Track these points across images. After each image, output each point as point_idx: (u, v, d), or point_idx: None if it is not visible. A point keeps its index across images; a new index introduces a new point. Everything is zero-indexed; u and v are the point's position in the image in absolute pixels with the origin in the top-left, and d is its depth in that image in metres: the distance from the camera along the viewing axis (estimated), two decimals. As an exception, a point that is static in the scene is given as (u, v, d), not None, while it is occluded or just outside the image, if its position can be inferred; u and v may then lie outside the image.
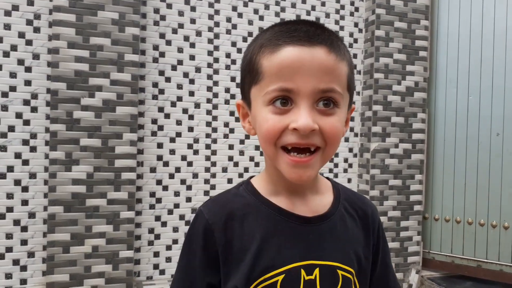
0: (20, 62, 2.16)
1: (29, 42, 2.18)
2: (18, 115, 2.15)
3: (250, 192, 0.70)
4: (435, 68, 2.85)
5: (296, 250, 0.66)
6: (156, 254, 2.39)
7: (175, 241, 2.42)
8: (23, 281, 2.17)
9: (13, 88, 2.15)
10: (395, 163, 2.74)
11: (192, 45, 2.46)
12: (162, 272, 2.40)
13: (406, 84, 2.73)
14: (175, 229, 2.42)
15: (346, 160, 2.80)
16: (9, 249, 2.14)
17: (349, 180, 2.81)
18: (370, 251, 0.74)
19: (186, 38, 2.44)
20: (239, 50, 2.54)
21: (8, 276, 2.14)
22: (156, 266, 2.39)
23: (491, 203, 2.70)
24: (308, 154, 0.61)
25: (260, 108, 0.63)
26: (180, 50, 2.43)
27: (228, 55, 2.51)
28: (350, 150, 2.80)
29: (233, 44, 2.53)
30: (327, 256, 0.66)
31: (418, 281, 2.81)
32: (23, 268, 2.16)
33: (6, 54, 2.14)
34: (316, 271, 0.66)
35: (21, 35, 2.16)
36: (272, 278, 0.64)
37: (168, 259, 2.41)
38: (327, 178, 0.77)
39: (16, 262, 2.15)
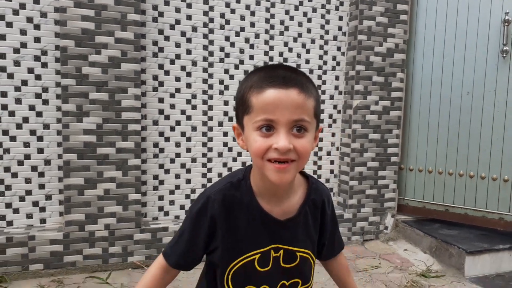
0: (29, 20, 2.31)
1: (36, 1, 2.31)
2: (30, 70, 2.32)
3: (247, 191, 0.95)
4: (414, 32, 3.08)
5: (269, 238, 0.96)
6: (161, 198, 2.65)
7: (177, 187, 2.68)
8: (43, 221, 2.42)
9: (24, 45, 2.31)
10: (375, 119, 3.01)
11: (189, 6, 2.62)
12: (166, 214, 2.67)
13: (387, 45, 2.96)
14: (177, 176, 2.67)
15: (330, 116, 3.05)
16: (28, 192, 2.37)
17: (333, 134, 3.07)
18: (323, 235, 1.07)
19: (184, -1, 2.60)
20: (232, 11, 2.71)
21: (29, 216, 2.39)
22: (161, 208, 2.65)
23: (459, 155, 3.02)
24: (285, 163, 0.85)
25: (251, 132, 0.86)
26: (177, 10, 2.59)
27: (222, 15, 2.68)
28: (335, 107, 3.05)
29: (227, 4, 2.69)
30: (289, 243, 0.98)
31: (393, 224, 3.15)
32: (42, 209, 2.40)
33: (15, 12, 2.28)
34: (281, 251, 0.97)
35: (29, -6, 2.29)
36: (251, 256, 0.95)
37: (172, 202, 2.67)
38: (307, 175, 1.03)
39: (35, 204, 2.39)
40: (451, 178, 3.05)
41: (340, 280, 1.18)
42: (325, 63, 2.97)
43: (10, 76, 2.29)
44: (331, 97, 3.02)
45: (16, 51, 2.29)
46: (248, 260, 0.96)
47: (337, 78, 3.02)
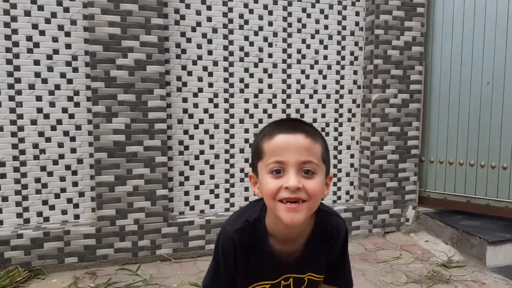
0: (60, 27, 2.45)
1: (66, 9, 2.45)
2: (62, 75, 2.47)
3: (261, 231, 1.03)
4: (432, 24, 3.09)
5: (279, 273, 1.06)
6: (186, 193, 2.77)
7: (202, 182, 2.79)
8: (76, 216, 2.57)
9: (56, 51, 2.45)
10: (394, 112, 3.04)
11: (209, 8, 2.71)
12: (192, 208, 2.79)
13: (405, 39, 2.98)
14: (202, 172, 2.79)
15: (350, 111, 3.10)
16: (63, 190, 2.53)
17: (353, 128, 3.12)
18: (330, 257, 1.13)
19: (203, 1, 2.69)
20: (251, 11, 2.79)
21: (64, 212, 2.54)
22: (186, 203, 2.77)
23: (480, 146, 3.02)
24: (296, 203, 0.90)
25: (264, 175, 0.93)
26: (198, 12, 2.69)
27: (241, 16, 2.77)
28: (354, 101, 3.10)
29: (245, 5, 2.78)
30: (298, 272, 1.08)
31: (414, 216, 3.18)
32: (76, 206, 2.56)
33: (47, 21, 2.42)
34: (291, 279, 1.07)
35: (59, 3, 2.43)
36: (263, 285, 1.05)
37: (197, 197, 2.79)
38: (318, 209, 1.05)
39: (69, 200, 2.54)
40: (472, 169, 3.06)
41: None
42: (343, 58, 3.02)
43: (44, 81, 2.44)
44: (350, 92, 3.07)
45: (49, 57, 2.44)
46: (260, 286, 1.07)
47: (355, 72, 3.07)
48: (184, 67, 2.69)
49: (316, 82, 2.97)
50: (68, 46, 2.47)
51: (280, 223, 0.96)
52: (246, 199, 2.90)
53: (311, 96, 2.97)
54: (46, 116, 2.46)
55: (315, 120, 3.00)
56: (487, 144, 2.99)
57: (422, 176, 3.23)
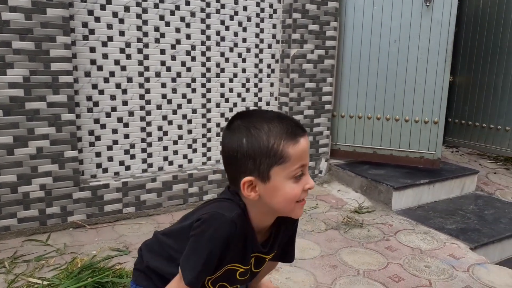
0: None
1: None
2: None
3: (248, 225, 1.01)
4: (347, -21, 3.14)
5: (251, 258, 1.07)
6: (98, 154, 2.53)
7: (115, 142, 2.57)
8: (-33, 185, 2.21)
9: None
10: (311, 68, 3.09)
11: None
12: (105, 171, 2.57)
13: (322, -7, 2.99)
14: (114, 131, 2.55)
15: (269, 66, 3.07)
16: None
17: (272, 84, 3.11)
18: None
19: None
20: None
21: (-50, 180, 2.16)
22: (99, 165, 2.54)
23: (386, 101, 3.23)
24: None
25: (284, 181, 0.92)
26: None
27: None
28: (273, 56, 3.07)
29: None
30: (266, 254, 1.10)
31: (327, 168, 3.35)
32: (-35, 173, 2.19)
33: None
34: (253, 258, 1.07)
35: None
36: (235, 267, 1.04)
37: (110, 158, 2.57)
38: None
39: (-44, 166, 2.16)
40: (379, 123, 3.28)
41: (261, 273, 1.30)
42: (262, 10, 2.94)
43: None
44: (269, 46, 3.03)
45: None
46: (231, 268, 1.04)
47: (274, 26, 3.02)
48: (90, 12, 2.37)
49: (236, 34, 2.86)
50: None
51: (266, 218, 1.00)
52: (165, 158, 2.76)
53: (231, 50, 2.86)
54: None
55: (235, 75, 2.91)
56: (392, 98, 3.21)
57: (334, 130, 3.39)
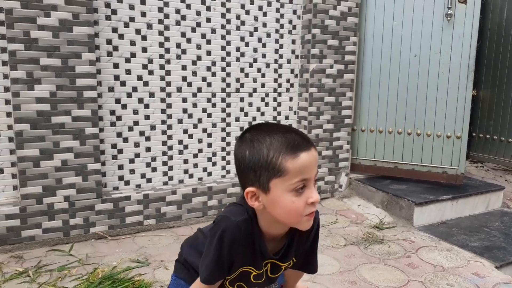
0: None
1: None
2: (-31, 34, 2.13)
3: (257, 232, 1.04)
4: (366, -5, 3.16)
5: (264, 263, 1.09)
6: (120, 167, 2.59)
7: (137, 155, 2.62)
8: (-5, 196, 2.29)
9: (-41, 6, 2.10)
10: (330, 82, 3.10)
11: (141, -34, 2.49)
12: (127, 183, 2.62)
13: (341, 9, 3.01)
14: (136, 144, 2.62)
15: (288, 81, 3.09)
16: (-23, 167, 2.22)
17: (291, 99, 3.13)
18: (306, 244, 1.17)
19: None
20: (187, -28, 2.61)
21: (-20, 191, 2.25)
22: (121, 178, 2.60)
23: (408, 115, 3.20)
24: None
25: (283, 193, 0.93)
26: (129, -30, 2.46)
27: (177, -23, 2.59)
28: (292, 71, 3.09)
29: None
30: (281, 261, 1.11)
31: (347, 182, 3.32)
32: (-7, 184, 2.27)
33: None
34: (269, 265, 1.10)
35: None
36: (248, 270, 1.07)
37: (132, 171, 2.63)
38: None
39: (-15, 178, 2.25)
40: (400, 137, 3.25)
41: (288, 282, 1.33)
42: (281, 26, 2.98)
43: None
44: (288, 61, 3.06)
45: (-49, 12, 2.08)
46: (245, 270, 1.08)
47: (293, 42, 3.05)
48: (115, 30, 2.46)
49: (255, 50, 2.90)
50: (-25, 1, 2.12)
51: (275, 226, 1.01)
52: (186, 171, 2.80)
53: (250, 65, 2.90)
54: (-49, 82, 2.12)
55: (255, 90, 2.95)
56: (413, 113, 3.18)
57: (354, 144, 3.37)
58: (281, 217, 0.98)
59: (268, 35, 2.94)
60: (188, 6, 2.64)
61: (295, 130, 1.00)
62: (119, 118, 2.55)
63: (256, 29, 2.88)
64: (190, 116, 2.76)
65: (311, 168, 0.94)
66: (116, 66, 2.50)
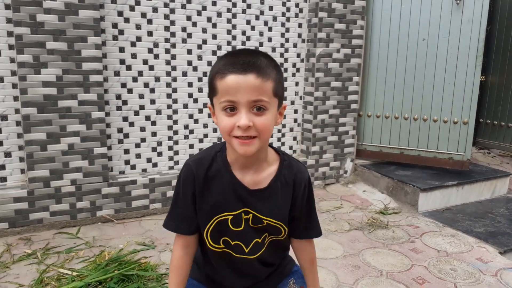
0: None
1: None
2: (-25, 18, 2.12)
3: (222, 161, 1.06)
4: (374, -22, 3.10)
5: (240, 203, 1.06)
6: (126, 151, 2.60)
7: (143, 139, 2.64)
8: (3, 179, 2.32)
9: (-35, -11, 2.09)
10: (337, 67, 3.07)
11: None
12: (133, 167, 2.64)
13: (349, -8, 2.97)
14: (142, 129, 2.63)
15: (294, 65, 3.07)
16: (-15, 150, 2.25)
17: (297, 84, 3.11)
18: (294, 208, 1.13)
19: None
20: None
21: (-12, 174, 2.28)
22: (127, 162, 2.62)
23: (414, 100, 3.18)
24: (248, 138, 0.96)
25: (218, 111, 0.97)
26: (134, -48, 2.43)
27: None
28: (298, 55, 3.07)
29: None
30: (257, 211, 1.07)
31: (352, 168, 3.32)
32: (2, 167, 2.30)
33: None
34: (250, 215, 1.07)
35: None
36: (224, 217, 1.06)
37: (138, 156, 2.64)
38: (281, 152, 1.12)
39: (-6, 161, 2.28)
40: (406, 123, 3.23)
41: (303, 270, 1.25)
42: (288, 9, 2.94)
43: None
44: (295, 45, 3.03)
45: (-44, -5, 2.08)
46: (221, 219, 1.07)
47: (300, 25, 3.02)
48: (120, 13, 2.45)
49: (261, 34, 2.88)
50: (-20, -17, 2.11)
51: (236, 152, 1.01)
52: (191, 156, 2.80)
53: (256, 49, 2.88)
54: (-42, 66, 2.13)
55: (260, 74, 2.93)
56: (420, 98, 3.15)
57: (360, 130, 3.35)
58: (222, 135, 1.03)
59: (275, 19, 2.91)
60: (194, -10, 2.61)
61: (249, 53, 0.99)
62: (125, 102, 2.56)
63: (262, 13, 2.85)
64: (195, 101, 2.76)
65: (239, 91, 0.93)
66: (121, 50, 2.49)
